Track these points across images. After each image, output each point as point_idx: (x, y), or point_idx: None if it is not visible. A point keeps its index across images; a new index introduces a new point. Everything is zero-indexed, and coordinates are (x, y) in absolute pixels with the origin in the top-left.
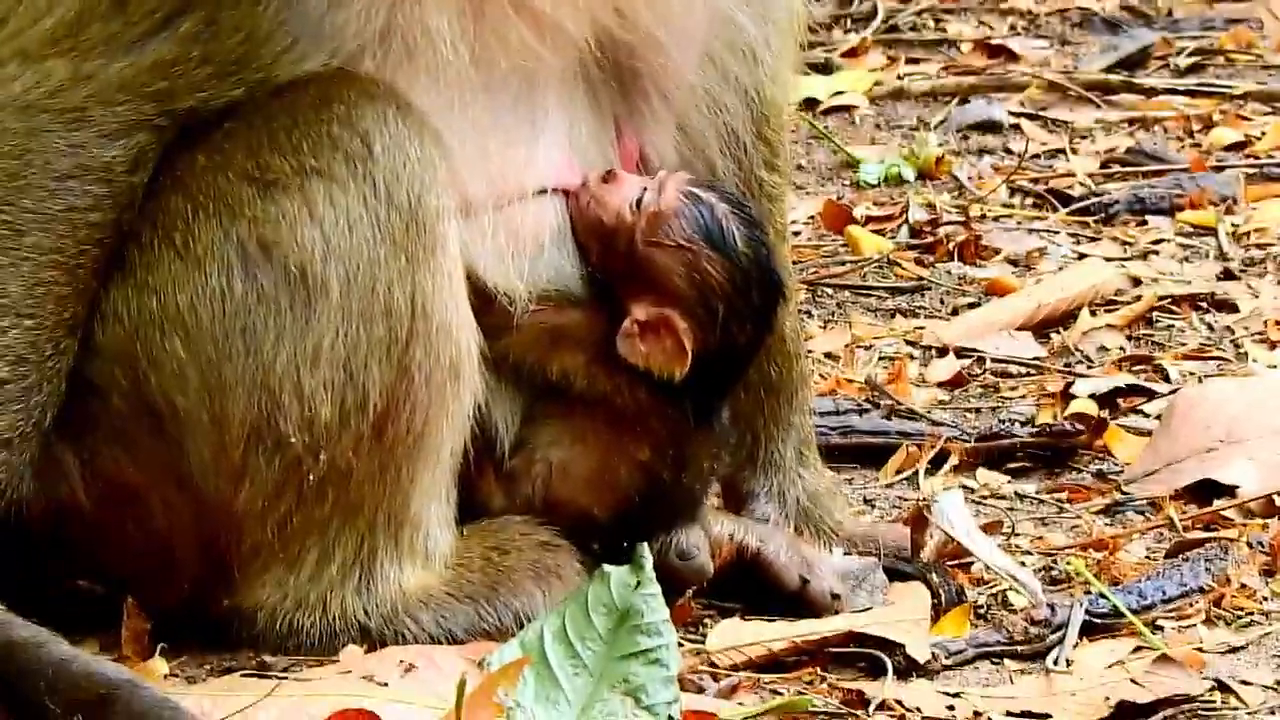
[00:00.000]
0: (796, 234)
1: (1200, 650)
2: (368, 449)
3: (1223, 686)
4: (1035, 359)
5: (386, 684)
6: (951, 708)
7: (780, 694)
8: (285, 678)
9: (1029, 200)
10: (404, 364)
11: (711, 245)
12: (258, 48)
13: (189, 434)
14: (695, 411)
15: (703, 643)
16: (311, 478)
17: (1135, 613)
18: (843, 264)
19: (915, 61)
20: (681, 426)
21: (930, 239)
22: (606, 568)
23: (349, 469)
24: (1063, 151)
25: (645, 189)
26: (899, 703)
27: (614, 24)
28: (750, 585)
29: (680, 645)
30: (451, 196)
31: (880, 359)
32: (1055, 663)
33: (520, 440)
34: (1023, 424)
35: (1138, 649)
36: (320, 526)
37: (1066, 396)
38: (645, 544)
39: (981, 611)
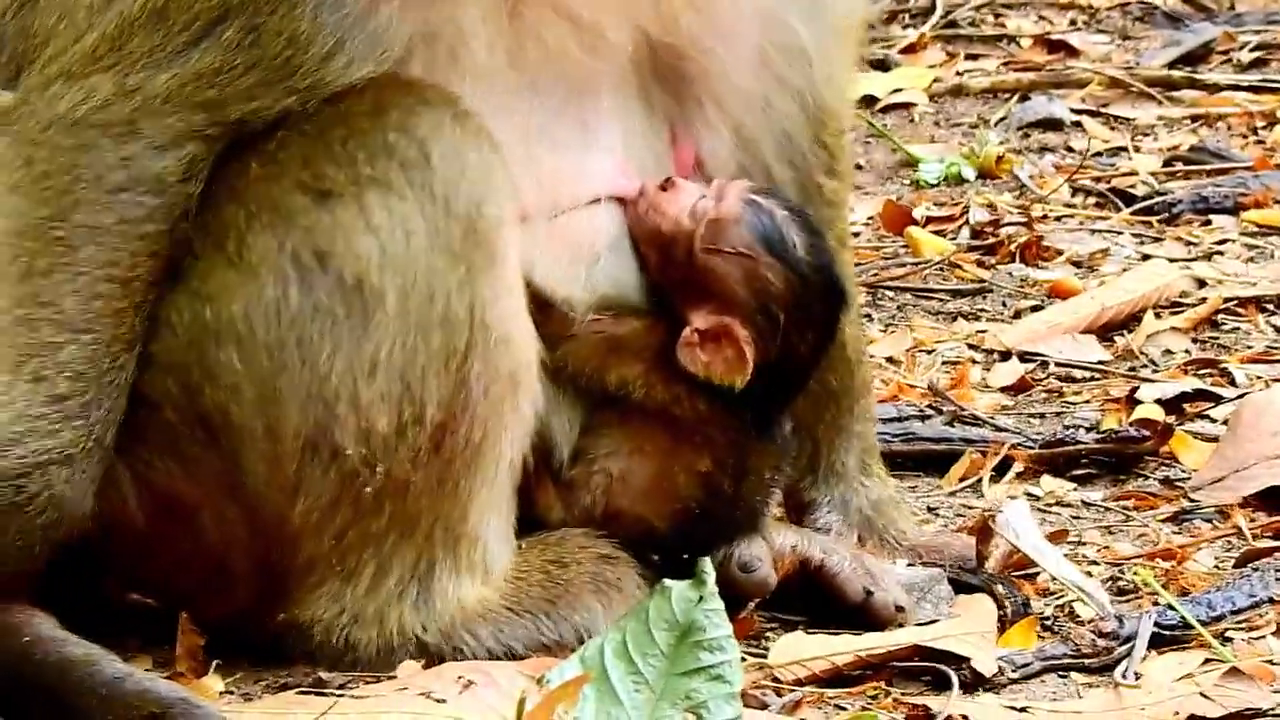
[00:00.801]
0: (855, 235)
1: (1271, 663)
2: (425, 461)
3: None
4: (1099, 363)
5: (445, 700)
6: None
7: (845, 709)
8: (342, 695)
9: (1091, 200)
10: (462, 375)
11: (772, 253)
12: (301, 52)
13: (243, 446)
14: (756, 422)
15: (765, 657)
16: (368, 490)
17: (1204, 624)
18: (903, 266)
19: (974, 57)
20: (742, 437)
21: (992, 240)
22: (668, 582)
23: (406, 482)
24: (1125, 149)
25: (704, 196)
26: (965, 717)
27: (655, 27)
28: (813, 597)
29: (742, 659)
30: (510, 206)
31: (942, 363)
32: (1124, 676)
33: (578, 451)
34: (1087, 430)
35: (1207, 661)
36: (377, 540)
37: (1131, 401)
38: (707, 558)
39: (1048, 623)
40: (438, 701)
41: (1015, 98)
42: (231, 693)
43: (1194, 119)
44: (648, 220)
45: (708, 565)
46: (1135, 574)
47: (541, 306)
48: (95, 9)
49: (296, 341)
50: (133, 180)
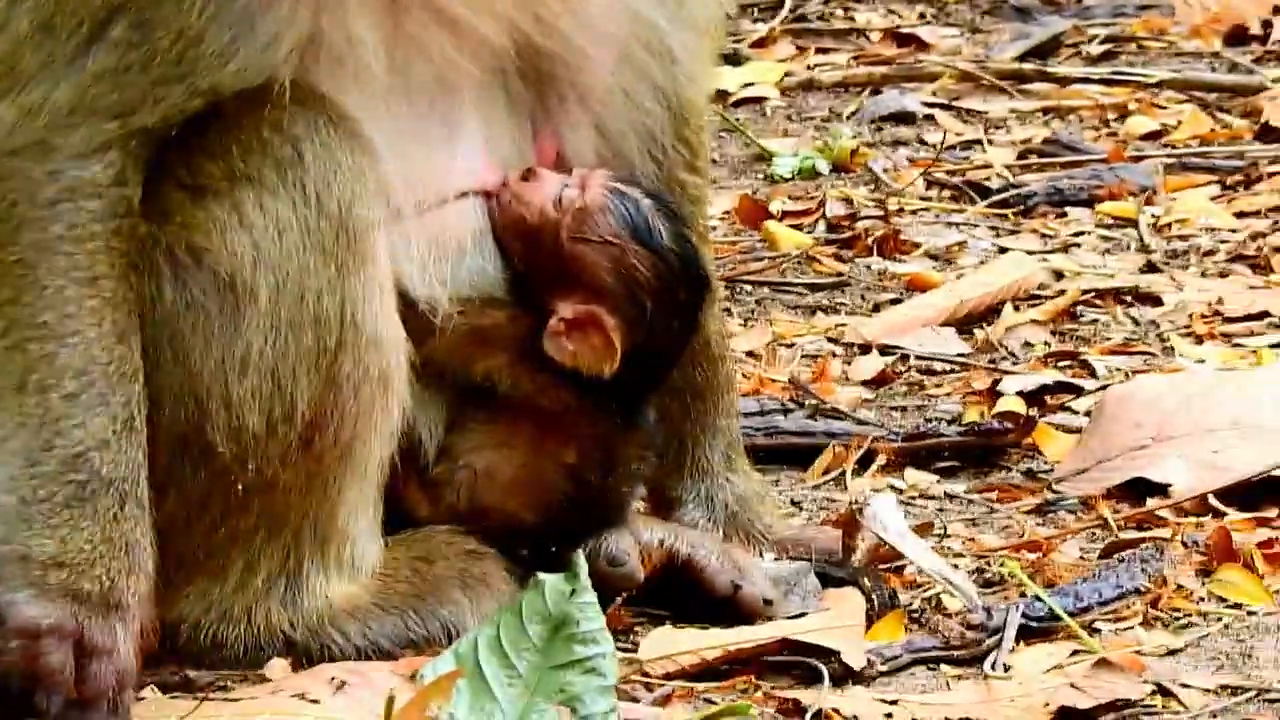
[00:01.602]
0: (712, 229)
1: (1139, 653)
2: (295, 460)
3: (1163, 690)
4: (960, 355)
5: (318, 701)
6: (889, 715)
7: (715, 703)
8: (211, 696)
9: (946, 193)
10: (332, 374)
11: (638, 240)
12: (194, 47)
13: None
14: (621, 412)
15: (635, 651)
16: (239, 488)
17: (1072, 615)
18: (760, 260)
19: (825, 51)
20: (608, 428)
21: (849, 233)
22: (541, 575)
23: (276, 479)
24: (979, 142)
25: (567, 185)
26: (836, 711)
27: (533, 30)
28: (681, 592)
29: None
30: (380, 208)
31: (803, 357)
32: (993, 668)
33: (444, 448)
34: (949, 422)
35: (1076, 652)
36: (246, 537)
37: (993, 394)
38: (579, 551)
39: (916, 616)
40: (311, 702)
41: (866, 91)
42: None
43: (1046, 112)
44: (511, 211)
45: (580, 558)
46: (1001, 566)
47: (406, 304)
48: None
49: (169, 339)
50: (67, 190)
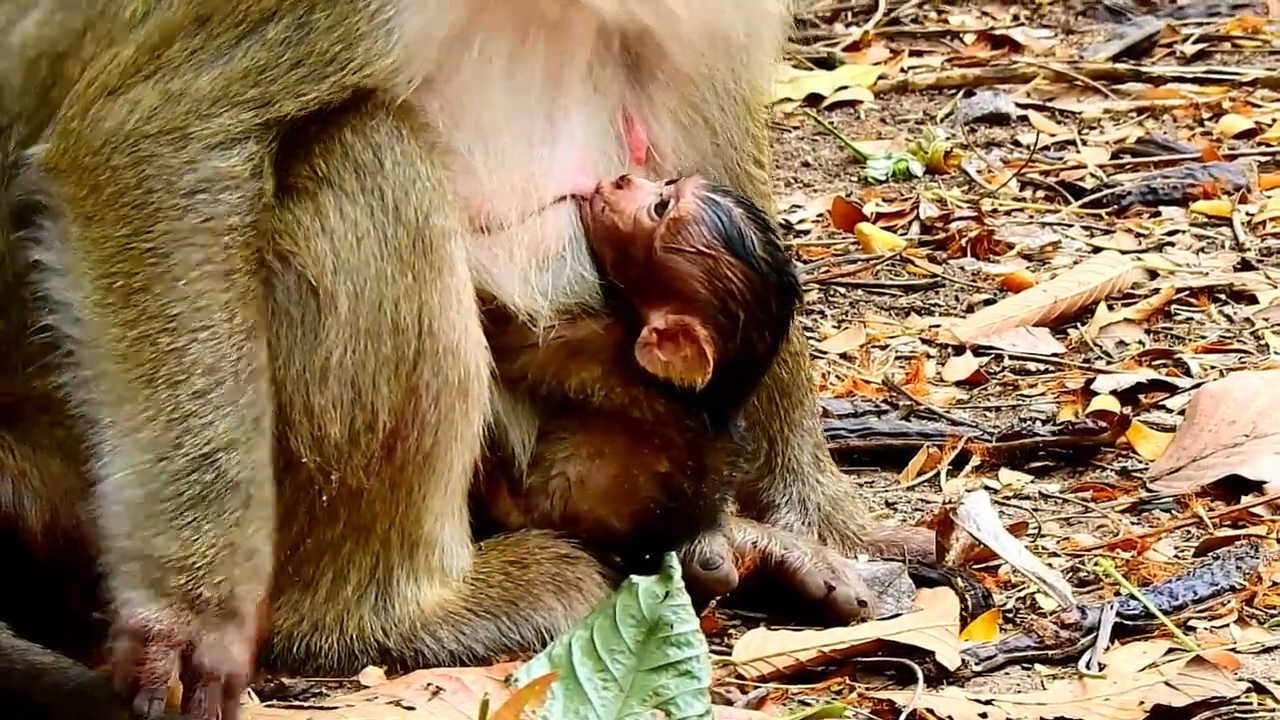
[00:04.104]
0: (806, 232)
1: (1234, 651)
2: (378, 468)
3: (1258, 688)
4: (1054, 355)
5: (413, 708)
6: (984, 715)
7: (809, 704)
8: (306, 705)
9: (1040, 193)
10: (412, 383)
11: (731, 251)
12: (350, 49)
13: None
14: (713, 420)
15: (729, 654)
16: (324, 498)
17: (1167, 614)
18: (854, 262)
19: (919, 54)
20: (699, 436)
21: (942, 235)
22: (634, 578)
23: (360, 489)
24: (1072, 143)
25: (661, 194)
26: (930, 711)
27: (621, 17)
28: (775, 593)
29: None
30: (459, 218)
31: (896, 359)
32: (1088, 666)
33: (536, 457)
34: (1044, 422)
35: (1170, 651)
36: (334, 547)
37: (1087, 393)
38: (673, 554)
39: (1010, 616)
40: (406, 708)
41: (960, 93)
42: None
43: (1140, 111)
44: (605, 219)
45: (674, 561)
46: (1096, 565)
47: (500, 317)
48: (132, 22)
49: None
50: (205, 181)
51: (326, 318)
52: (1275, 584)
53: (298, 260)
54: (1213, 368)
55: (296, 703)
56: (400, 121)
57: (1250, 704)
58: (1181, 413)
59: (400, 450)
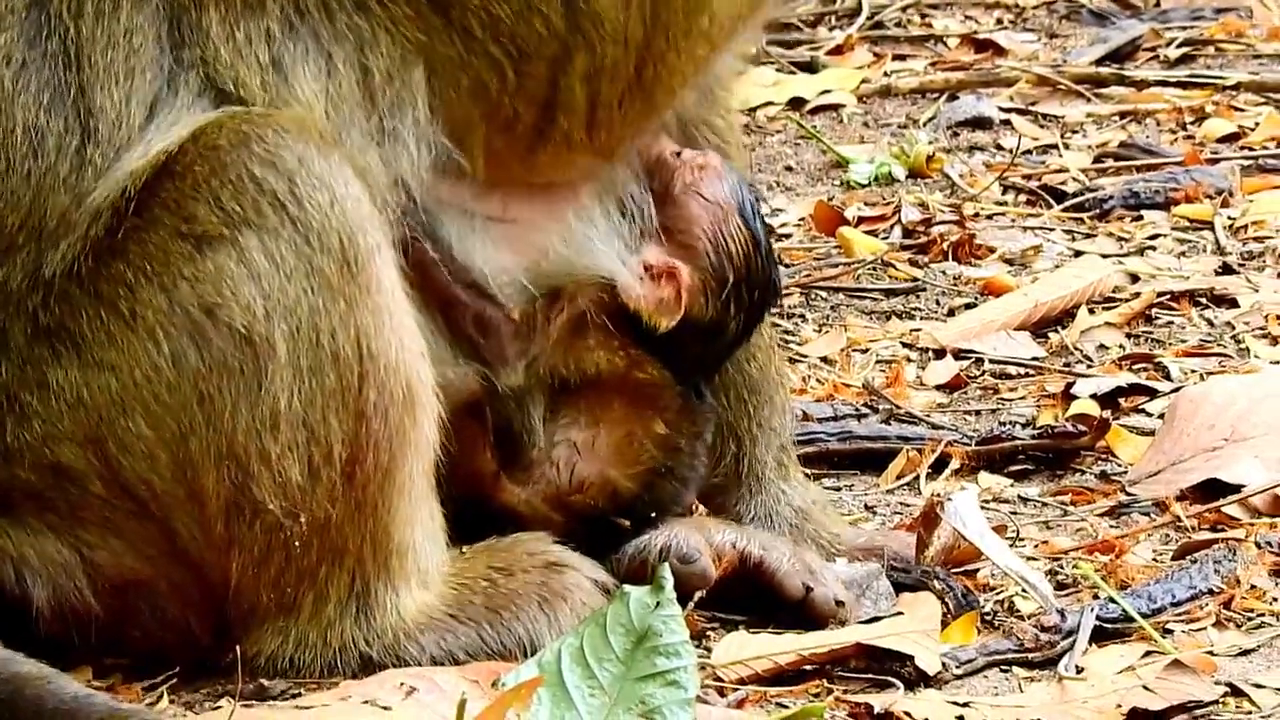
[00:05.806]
0: (788, 236)
1: (1212, 654)
2: (341, 494)
3: (1235, 691)
4: (1034, 359)
5: (389, 708)
6: (961, 718)
7: (787, 707)
8: (283, 704)
9: (1022, 197)
10: (359, 408)
11: (742, 217)
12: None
13: (172, 513)
14: (691, 389)
15: (708, 656)
16: (294, 536)
17: (1145, 617)
18: (835, 266)
19: (902, 58)
20: (687, 399)
21: (924, 239)
22: (626, 588)
23: (328, 518)
24: (1055, 147)
25: (678, 149)
26: (908, 714)
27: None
28: (753, 594)
29: None
30: (381, 233)
31: (877, 362)
32: (1066, 669)
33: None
34: (1024, 426)
35: (1148, 654)
36: (310, 574)
37: (1067, 397)
38: (665, 565)
39: (989, 619)
40: (382, 709)
41: (943, 97)
42: (174, 701)
43: (1123, 115)
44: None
45: (666, 571)
46: (1075, 568)
47: (494, 325)
48: None
49: (199, 402)
50: None
51: (267, 364)
52: (1253, 587)
53: (224, 312)
54: (1193, 371)
55: (274, 703)
56: (306, 140)
57: (1227, 706)
58: (1161, 416)
59: (359, 473)
